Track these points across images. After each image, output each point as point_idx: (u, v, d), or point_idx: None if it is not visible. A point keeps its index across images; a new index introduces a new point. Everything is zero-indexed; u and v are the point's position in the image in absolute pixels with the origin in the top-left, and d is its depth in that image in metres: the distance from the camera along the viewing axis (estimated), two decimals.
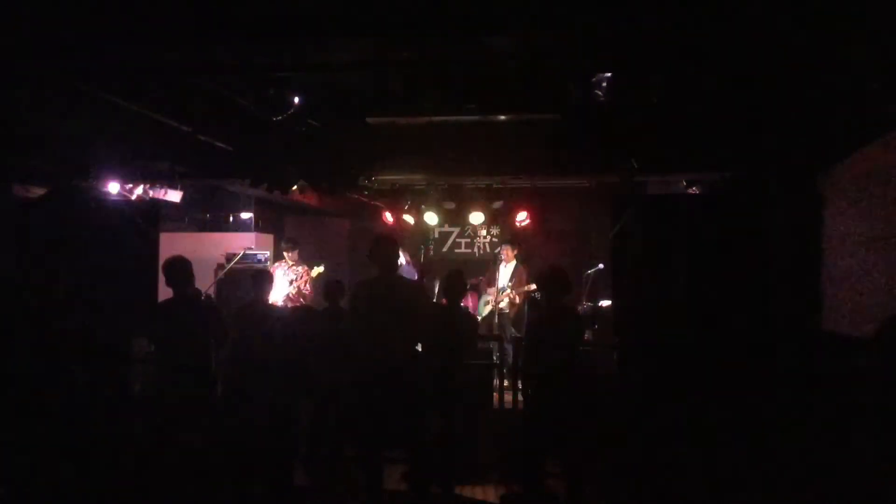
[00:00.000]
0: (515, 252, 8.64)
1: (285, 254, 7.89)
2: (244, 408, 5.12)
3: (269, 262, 8.20)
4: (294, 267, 7.78)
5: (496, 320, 8.42)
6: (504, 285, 8.43)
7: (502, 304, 8.39)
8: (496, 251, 10.02)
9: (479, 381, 6.24)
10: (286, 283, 7.61)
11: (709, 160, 6.10)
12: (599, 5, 3.68)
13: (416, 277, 8.05)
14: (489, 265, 9.22)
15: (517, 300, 8.44)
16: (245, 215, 10.14)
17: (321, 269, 7.85)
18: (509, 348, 7.56)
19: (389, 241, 4.73)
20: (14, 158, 5.99)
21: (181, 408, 4.61)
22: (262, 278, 5.83)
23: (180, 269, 4.78)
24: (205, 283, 7.24)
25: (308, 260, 8.20)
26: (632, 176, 6.14)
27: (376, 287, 4.55)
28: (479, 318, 8.72)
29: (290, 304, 7.50)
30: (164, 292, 5.97)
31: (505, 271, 8.55)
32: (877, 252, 4.32)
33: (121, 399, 5.47)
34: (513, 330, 8.45)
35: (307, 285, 7.73)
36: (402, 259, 8.40)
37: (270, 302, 6.28)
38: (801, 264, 5.26)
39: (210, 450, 4.71)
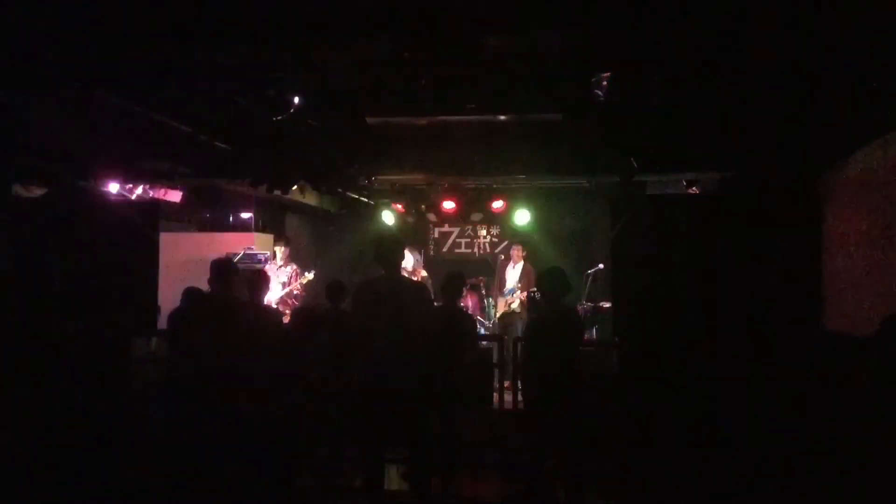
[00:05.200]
0: (525, 254, 8.60)
1: (277, 250, 7.93)
2: (241, 408, 5.12)
3: (268, 263, 8.21)
4: (284, 267, 7.80)
5: (507, 321, 8.38)
6: (513, 286, 8.39)
7: (514, 305, 8.36)
8: (497, 251, 10.01)
9: (479, 381, 6.24)
10: (279, 285, 7.62)
11: (709, 160, 6.10)
12: (600, 5, 3.68)
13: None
14: (494, 267, 9.19)
15: (525, 299, 8.41)
16: (245, 215, 10.14)
17: (311, 276, 7.85)
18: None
19: (393, 240, 4.72)
20: (14, 158, 5.99)
21: (200, 408, 4.59)
22: (258, 279, 5.83)
23: (221, 271, 4.80)
24: (205, 283, 7.24)
25: (304, 261, 8.21)
26: (632, 176, 6.14)
27: (379, 287, 4.55)
28: (492, 321, 8.71)
29: (282, 307, 7.52)
30: (164, 292, 5.98)
31: (513, 272, 8.50)
32: (877, 252, 4.33)
33: (121, 399, 5.47)
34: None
35: (298, 286, 7.74)
36: (412, 260, 8.37)
37: (266, 303, 6.27)
38: (801, 264, 5.26)
39: (210, 450, 4.70)
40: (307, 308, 7.09)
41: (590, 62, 4.41)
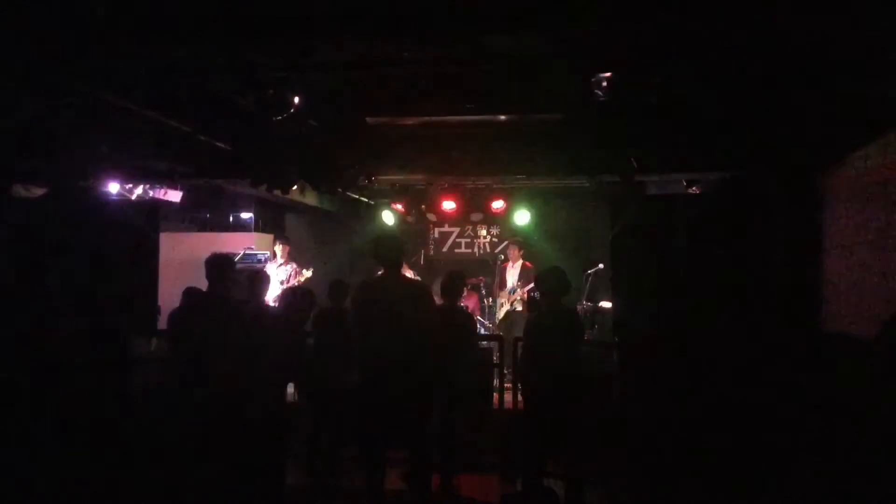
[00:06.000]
0: (521, 252, 8.61)
1: (277, 249, 7.94)
2: (239, 407, 5.12)
3: (269, 262, 8.22)
4: (283, 266, 7.82)
5: (510, 320, 8.39)
6: (513, 286, 8.41)
7: (515, 304, 8.37)
8: (497, 251, 10.01)
9: (479, 381, 6.24)
10: (277, 283, 7.63)
11: (709, 160, 6.10)
12: (600, 5, 3.67)
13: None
14: (493, 267, 9.21)
15: (527, 296, 8.41)
16: (245, 215, 10.15)
17: (309, 273, 7.88)
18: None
19: (393, 239, 4.72)
20: (14, 158, 5.99)
21: (200, 409, 4.60)
22: (259, 279, 5.84)
23: (216, 266, 4.80)
24: (205, 283, 7.25)
25: (304, 261, 8.22)
26: (632, 176, 6.13)
27: (379, 286, 4.55)
28: (495, 322, 8.72)
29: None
30: (164, 292, 5.98)
31: (512, 271, 8.52)
32: (876, 252, 4.33)
33: (120, 399, 5.47)
34: None
35: (297, 284, 7.76)
36: None
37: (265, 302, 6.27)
38: (801, 264, 5.26)
39: (209, 449, 4.71)
40: (296, 286, 7.07)
41: (590, 62, 4.41)
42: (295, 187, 7.04)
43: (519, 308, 8.36)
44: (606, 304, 7.90)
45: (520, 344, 5.76)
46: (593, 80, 4.43)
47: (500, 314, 8.58)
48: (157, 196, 7.21)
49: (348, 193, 7.75)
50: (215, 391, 4.61)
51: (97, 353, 5.34)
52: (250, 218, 10.07)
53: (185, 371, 4.77)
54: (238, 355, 4.69)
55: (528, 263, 8.46)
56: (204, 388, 4.65)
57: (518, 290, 8.34)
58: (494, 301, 8.87)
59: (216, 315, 4.78)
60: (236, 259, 8.02)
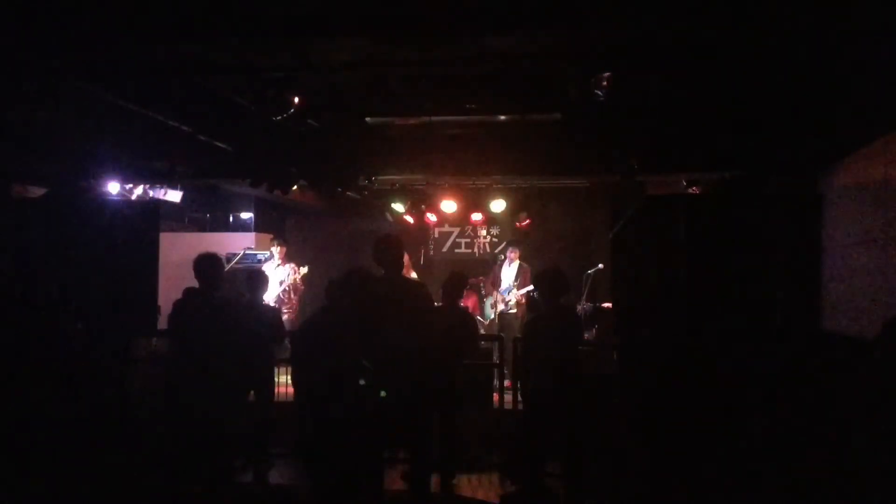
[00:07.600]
0: (520, 254, 8.66)
1: (273, 250, 7.97)
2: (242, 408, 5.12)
3: (267, 262, 8.23)
4: (281, 266, 7.86)
5: (503, 322, 8.40)
6: (509, 285, 8.42)
7: (509, 304, 8.38)
8: (497, 251, 10.02)
9: (479, 381, 6.24)
10: (276, 283, 7.65)
11: (709, 160, 6.10)
12: (600, 5, 3.68)
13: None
14: (490, 267, 9.21)
15: (523, 300, 8.42)
16: (245, 215, 10.15)
17: (305, 269, 7.93)
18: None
19: (394, 241, 4.72)
20: (14, 158, 5.99)
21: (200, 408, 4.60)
22: (258, 278, 5.85)
23: (205, 266, 4.78)
24: None
25: (303, 261, 8.23)
26: (632, 176, 6.13)
27: (379, 287, 4.54)
28: (488, 320, 8.72)
29: (282, 305, 7.56)
30: (164, 292, 5.98)
31: (509, 271, 8.54)
32: (877, 252, 4.32)
33: (121, 399, 5.47)
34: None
35: (298, 279, 7.81)
36: None
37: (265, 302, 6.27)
38: (801, 264, 5.26)
39: (210, 450, 4.71)
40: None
41: (590, 62, 4.41)
42: (295, 187, 7.04)
43: (513, 311, 8.38)
44: (606, 304, 7.90)
45: (519, 344, 5.76)
46: (593, 80, 4.43)
47: (493, 313, 8.56)
48: (157, 196, 7.21)
49: (348, 193, 7.75)
50: (214, 390, 4.61)
51: (98, 353, 5.33)
52: (250, 218, 10.08)
53: (184, 370, 4.78)
54: (237, 354, 4.70)
55: (524, 264, 8.49)
56: (203, 387, 4.65)
57: (514, 289, 8.36)
58: (487, 298, 8.87)
59: (212, 314, 4.79)
60: (236, 259, 8.05)
